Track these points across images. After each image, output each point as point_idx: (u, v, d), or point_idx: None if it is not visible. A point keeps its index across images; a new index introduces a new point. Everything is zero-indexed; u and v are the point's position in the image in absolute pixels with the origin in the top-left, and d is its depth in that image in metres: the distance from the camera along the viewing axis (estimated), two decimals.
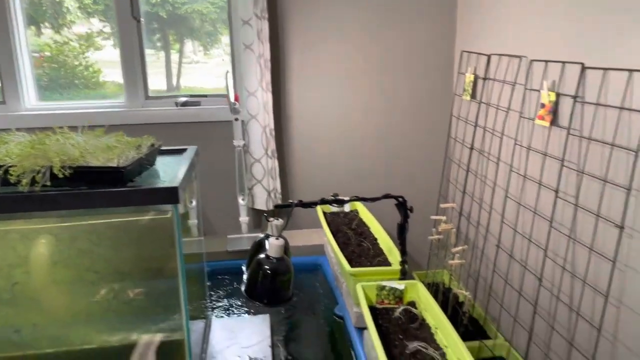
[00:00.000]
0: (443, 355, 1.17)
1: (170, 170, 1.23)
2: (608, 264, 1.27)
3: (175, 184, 1.10)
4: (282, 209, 2.23)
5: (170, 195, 1.09)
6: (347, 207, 2.14)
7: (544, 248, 1.54)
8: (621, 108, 1.23)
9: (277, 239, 1.29)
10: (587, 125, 1.37)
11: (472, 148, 2.05)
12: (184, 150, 1.42)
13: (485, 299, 1.98)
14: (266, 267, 1.26)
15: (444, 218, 1.98)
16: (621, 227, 1.23)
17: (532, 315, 1.60)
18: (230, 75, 2.03)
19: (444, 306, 1.98)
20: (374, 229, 1.91)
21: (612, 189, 1.27)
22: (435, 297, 2.06)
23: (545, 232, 1.54)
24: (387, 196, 1.44)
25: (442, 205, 2.13)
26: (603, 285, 1.29)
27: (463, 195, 2.12)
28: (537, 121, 1.56)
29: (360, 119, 2.33)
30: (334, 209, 2.14)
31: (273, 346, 1.46)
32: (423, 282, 1.39)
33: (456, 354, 1.14)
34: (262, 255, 1.29)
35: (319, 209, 2.07)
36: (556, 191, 1.48)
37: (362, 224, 1.99)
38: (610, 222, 1.27)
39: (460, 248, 1.85)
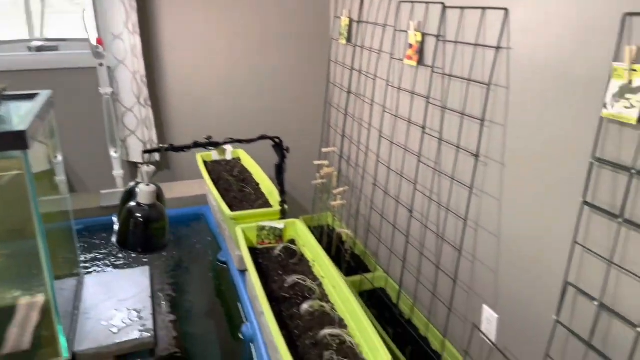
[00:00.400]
0: (320, 285, 1.22)
1: (17, 116, 1.10)
2: (466, 190, 1.39)
3: (22, 127, 0.99)
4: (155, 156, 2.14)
5: (17, 140, 0.98)
6: (229, 155, 2.10)
7: (414, 182, 1.64)
8: (476, 45, 1.32)
9: (147, 185, 1.23)
10: (448, 63, 1.45)
11: (349, 92, 2.09)
12: (36, 95, 1.28)
13: (365, 236, 2.08)
14: (137, 214, 1.20)
15: (326, 162, 2.02)
16: (476, 156, 1.34)
17: (405, 245, 1.72)
18: (89, 14, 1.85)
19: (329, 247, 2.06)
20: (256, 174, 1.90)
21: (470, 122, 1.38)
22: (321, 238, 2.13)
23: (414, 167, 1.64)
24: (262, 137, 1.42)
25: (323, 150, 2.18)
26: (463, 211, 1.42)
27: (342, 138, 2.18)
28: (406, 61, 1.63)
29: (237, 64, 2.26)
30: (215, 157, 2.08)
31: (153, 296, 1.42)
32: (309, 227, 1.42)
33: (331, 282, 1.19)
34: (132, 203, 1.22)
35: (199, 158, 2.01)
36: (423, 127, 1.57)
37: (244, 170, 1.97)
38: (468, 152, 1.37)
39: (341, 189, 1.91)
